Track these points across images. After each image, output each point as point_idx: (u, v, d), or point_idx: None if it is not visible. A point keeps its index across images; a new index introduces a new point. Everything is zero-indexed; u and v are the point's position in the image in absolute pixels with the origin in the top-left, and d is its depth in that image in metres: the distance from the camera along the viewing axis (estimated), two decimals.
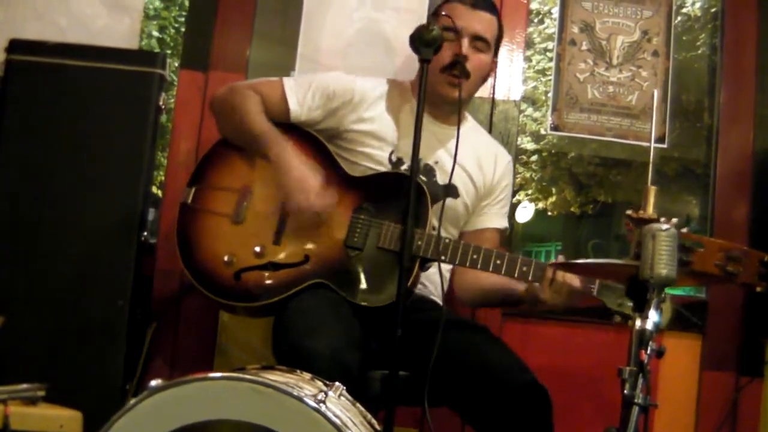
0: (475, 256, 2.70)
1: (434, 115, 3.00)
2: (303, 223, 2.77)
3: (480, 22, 2.96)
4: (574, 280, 2.65)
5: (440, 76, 2.89)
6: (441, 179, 2.95)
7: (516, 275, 2.68)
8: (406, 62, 3.02)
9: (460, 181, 3.00)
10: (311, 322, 2.49)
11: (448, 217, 2.86)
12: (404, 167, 2.91)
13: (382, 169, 2.91)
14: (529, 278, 2.68)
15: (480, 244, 2.80)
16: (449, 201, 2.91)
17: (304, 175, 2.75)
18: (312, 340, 2.37)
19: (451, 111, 2.93)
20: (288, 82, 2.96)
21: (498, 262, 2.68)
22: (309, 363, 2.21)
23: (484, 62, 2.98)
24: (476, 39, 2.94)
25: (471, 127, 3.19)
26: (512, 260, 2.68)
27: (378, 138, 2.94)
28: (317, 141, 2.92)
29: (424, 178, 2.92)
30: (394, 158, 2.93)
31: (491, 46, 3.01)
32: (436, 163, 2.96)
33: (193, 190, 2.87)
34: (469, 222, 3.11)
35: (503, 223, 3.16)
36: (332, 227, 2.78)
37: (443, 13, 2.90)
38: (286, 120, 2.92)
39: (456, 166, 2.83)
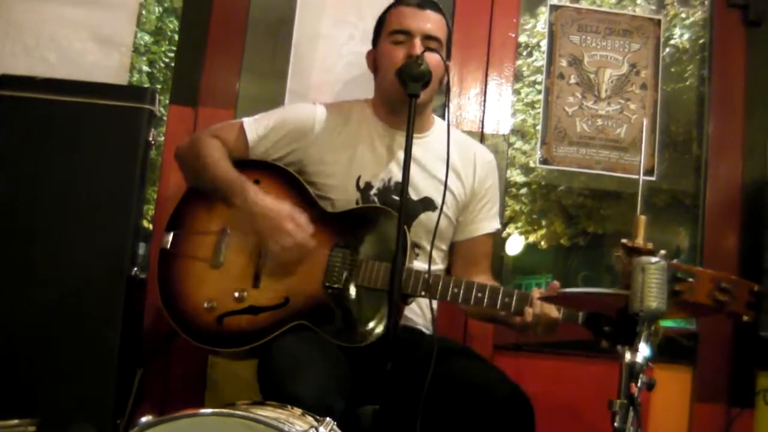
0: (455, 290, 2.66)
1: (394, 124, 2.96)
2: (286, 261, 2.74)
3: (430, 21, 2.91)
4: (552, 311, 2.61)
5: (395, 78, 2.76)
6: (414, 194, 2.91)
7: (498, 307, 2.65)
8: None
9: (436, 192, 2.92)
10: (293, 365, 2.45)
11: (429, 231, 2.81)
12: (373, 191, 2.89)
13: (350, 197, 2.88)
14: (512, 310, 2.64)
15: (474, 253, 2.87)
16: (429, 214, 2.88)
17: (277, 214, 2.72)
18: (294, 384, 2.33)
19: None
20: (247, 120, 2.96)
21: (479, 294, 2.64)
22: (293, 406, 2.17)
23: (438, 61, 2.84)
24: (428, 38, 2.88)
25: (440, 130, 3.05)
26: (494, 292, 2.64)
27: (343, 165, 2.91)
28: (292, 177, 2.89)
29: (396, 198, 2.85)
30: (361, 184, 2.90)
31: (443, 45, 2.94)
32: None
33: (172, 235, 2.86)
34: (460, 231, 3.06)
35: (495, 225, 3.11)
36: (311, 266, 2.75)
37: (390, 16, 2.95)
38: (247, 152, 2.92)
39: (429, 178, 2.87)
